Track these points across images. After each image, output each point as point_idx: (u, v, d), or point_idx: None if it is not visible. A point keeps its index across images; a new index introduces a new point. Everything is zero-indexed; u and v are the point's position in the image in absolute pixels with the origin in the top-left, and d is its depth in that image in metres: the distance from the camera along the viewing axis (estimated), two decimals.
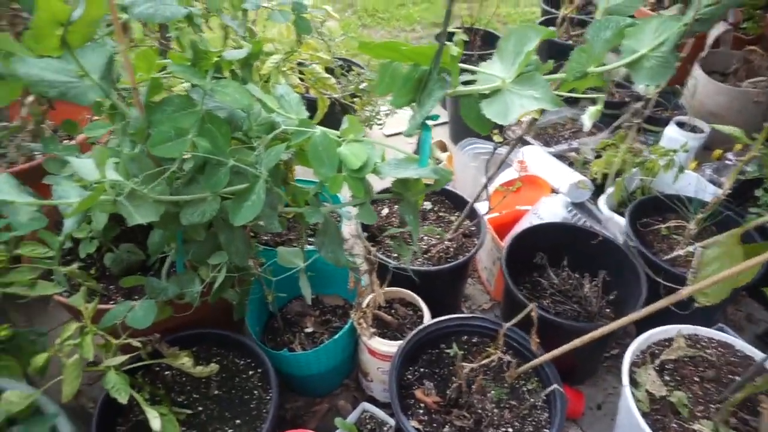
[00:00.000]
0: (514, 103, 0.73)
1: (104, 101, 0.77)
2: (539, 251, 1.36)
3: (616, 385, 1.36)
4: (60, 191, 0.78)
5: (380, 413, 1.12)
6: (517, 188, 1.55)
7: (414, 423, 1.02)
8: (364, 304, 1.12)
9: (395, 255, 1.30)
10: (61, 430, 0.82)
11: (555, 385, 1.02)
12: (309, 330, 1.29)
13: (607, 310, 1.34)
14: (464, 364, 1.04)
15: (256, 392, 1.07)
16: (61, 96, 0.73)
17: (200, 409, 1.03)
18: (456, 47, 0.72)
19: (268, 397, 1.05)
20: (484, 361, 1.03)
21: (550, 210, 1.44)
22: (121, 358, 0.85)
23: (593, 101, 0.84)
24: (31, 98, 1.30)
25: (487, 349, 1.09)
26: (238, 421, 1.02)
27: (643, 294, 1.20)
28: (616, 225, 1.56)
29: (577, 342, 0.97)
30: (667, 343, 1.12)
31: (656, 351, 1.10)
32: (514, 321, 1.00)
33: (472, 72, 0.78)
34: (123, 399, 0.82)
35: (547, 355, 1.04)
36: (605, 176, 1.76)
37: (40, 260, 1.01)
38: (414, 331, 1.12)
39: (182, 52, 0.92)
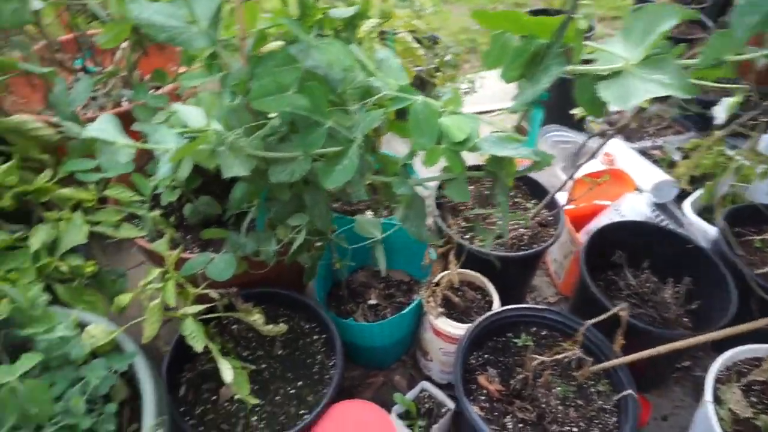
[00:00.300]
0: (638, 88, 0.67)
1: (203, 51, 0.76)
2: (619, 249, 1.30)
3: (683, 398, 1.29)
4: (157, 137, 0.78)
5: (439, 394, 1.10)
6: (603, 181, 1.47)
7: (475, 408, 1.00)
8: (436, 283, 1.09)
9: (467, 236, 1.26)
10: (138, 368, 0.84)
11: (630, 391, 0.97)
12: (372, 302, 1.27)
13: (685, 319, 1.26)
14: (535, 356, 1.00)
15: (318, 357, 1.07)
16: (169, 40, 0.72)
17: (263, 366, 1.04)
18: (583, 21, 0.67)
19: (331, 363, 1.05)
20: (557, 357, 0.99)
21: (634, 208, 1.36)
22: (199, 307, 0.86)
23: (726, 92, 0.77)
24: (125, 44, 1.32)
25: (561, 343, 1.05)
26: (300, 383, 1.02)
27: (732, 308, 1.12)
28: (699, 231, 1.47)
29: (661, 349, 0.92)
30: (756, 363, 1.04)
31: (743, 370, 1.03)
32: (596, 320, 0.95)
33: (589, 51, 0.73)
34: (199, 347, 0.83)
35: (625, 358, 0.99)
36: (692, 179, 1.65)
37: (127, 204, 1.03)
38: (484, 316, 1.09)
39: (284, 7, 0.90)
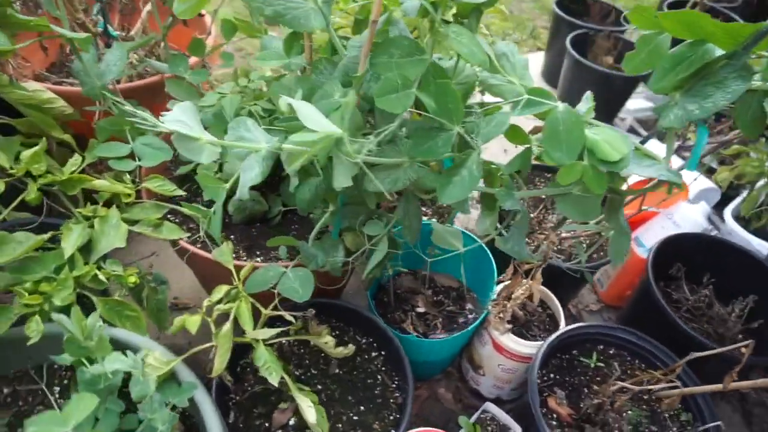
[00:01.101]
0: None
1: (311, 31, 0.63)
2: (678, 261, 1.24)
3: (732, 414, 1.27)
4: (242, 132, 0.65)
5: (503, 416, 1.03)
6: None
7: None
8: (509, 297, 1.00)
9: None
10: (199, 403, 0.71)
11: (719, 422, 0.92)
12: (420, 310, 1.17)
13: (740, 336, 1.23)
14: (619, 382, 0.93)
15: (379, 377, 0.97)
16: (276, 17, 0.59)
17: (319, 387, 0.93)
18: None
19: (394, 385, 0.95)
20: (651, 387, 0.92)
21: (690, 217, 1.31)
22: (271, 331, 0.74)
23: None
24: (149, 6, 1.15)
25: (650, 371, 0.97)
26: (362, 408, 0.92)
27: None
28: (740, 240, 1.43)
29: (764, 382, 0.86)
30: None
31: None
32: (699, 355, 0.88)
33: None
34: (275, 380, 0.72)
35: (712, 386, 0.93)
36: (730, 185, 1.61)
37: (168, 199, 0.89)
38: (556, 334, 1.01)
39: None
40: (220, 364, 0.69)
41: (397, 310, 1.17)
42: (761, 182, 1.55)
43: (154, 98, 1.18)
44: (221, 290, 0.73)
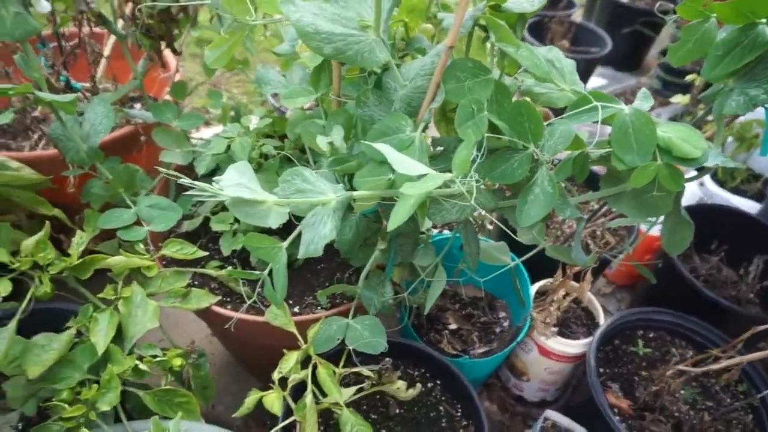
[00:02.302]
0: None
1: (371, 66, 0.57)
2: None
3: None
4: (299, 184, 0.58)
5: (565, 420, 1.00)
6: None
7: None
8: (555, 301, 0.98)
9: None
10: None
11: None
12: (453, 327, 1.14)
13: (751, 296, 1.27)
14: (681, 367, 0.93)
15: (441, 408, 0.92)
16: (337, 54, 0.52)
17: None
18: None
19: (458, 413, 0.91)
20: (713, 368, 0.92)
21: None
22: (351, 390, 0.68)
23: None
24: (107, 52, 1.03)
25: (707, 350, 0.98)
26: None
27: None
28: (722, 200, 1.50)
29: None
30: None
31: None
32: (761, 328, 0.89)
33: None
34: None
35: (760, 353, 0.95)
36: None
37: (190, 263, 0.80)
38: (604, 326, 1.00)
39: None
40: None
41: (430, 331, 1.12)
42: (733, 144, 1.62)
43: (130, 149, 1.07)
44: (291, 358, 0.65)
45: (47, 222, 0.71)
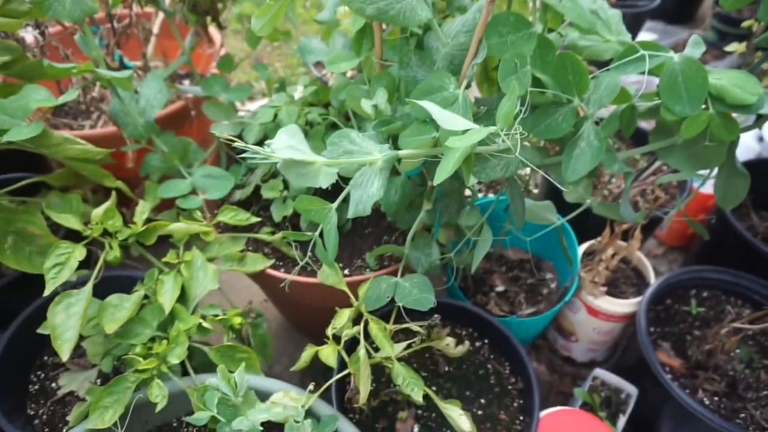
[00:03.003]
0: None
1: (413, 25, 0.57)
2: None
3: None
4: (346, 145, 0.60)
5: (614, 378, 1.01)
6: None
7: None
8: (604, 260, 0.97)
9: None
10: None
11: None
12: (500, 289, 1.15)
13: None
14: (736, 325, 0.92)
15: (489, 366, 0.94)
16: (379, 15, 0.53)
17: (434, 389, 0.90)
18: None
19: (507, 371, 0.93)
20: (762, 326, 0.90)
21: (742, 144, 1.29)
22: (402, 345, 0.70)
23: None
24: (156, 29, 1.07)
25: (724, 303, 0.96)
26: (482, 401, 0.89)
27: None
28: None
29: None
30: None
31: None
32: None
33: None
34: (418, 396, 0.68)
35: None
36: None
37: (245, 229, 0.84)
38: (655, 285, 0.99)
39: None
40: (365, 391, 0.65)
41: (477, 293, 1.14)
42: None
43: (182, 124, 1.11)
44: (344, 314, 0.68)
45: (114, 192, 0.76)
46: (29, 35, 1.05)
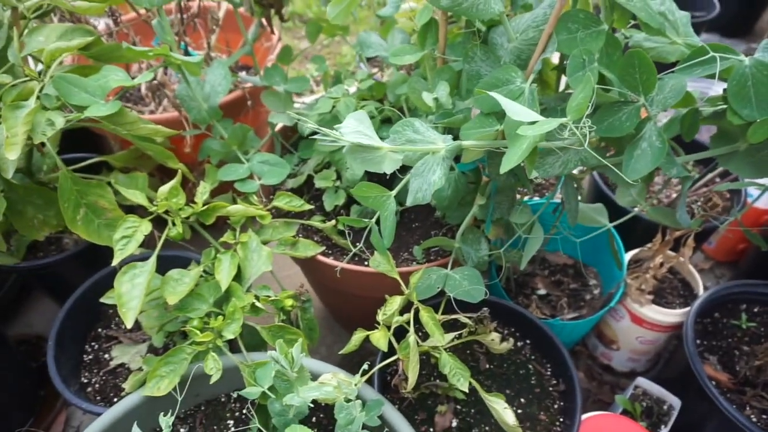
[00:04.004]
0: None
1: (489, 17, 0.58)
2: None
3: None
4: (410, 134, 0.61)
5: (656, 388, 0.99)
6: None
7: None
8: (652, 268, 0.96)
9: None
10: (390, 418, 0.69)
11: None
12: (542, 292, 1.14)
13: None
14: None
15: (530, 366, 0.93)
16: (453, 6, 0.55)
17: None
18: None
19: (548, 372, 0.92)
20: None
21: None
22: (450, 336, 0.71)
23: None
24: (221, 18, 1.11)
25: None
26: (522, 400, 0.89)
27: None
28: None
29: None
30: None
31: None
32: None
33: None
34: (463, 386, 0.69)
35: None
36: None
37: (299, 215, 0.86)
38: (703, 297, 0.97)
39: None
40: (413, 377, 0.66)
41: (519, 295, 1.14)
42: None
43: (239, 112, 1.15)
44: (395, 302, 0.70)
45: (179, 171, 0.79)
46: (101, 23, 1.11)
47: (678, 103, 0.68)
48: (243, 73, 1.31)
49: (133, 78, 0.74)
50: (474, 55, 0.65)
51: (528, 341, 0.97)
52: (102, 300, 0.77)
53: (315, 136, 0.96)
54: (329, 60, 2.10)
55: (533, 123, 0.50)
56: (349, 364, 1.16)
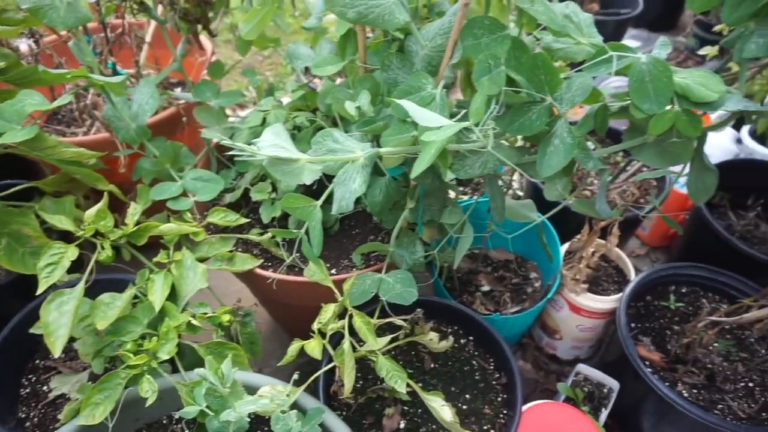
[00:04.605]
0: None
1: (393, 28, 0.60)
2: (718, 191, 1.26)
3: None
4: (330, 144, 0.62)
5: (596, 373, 1.03)
6: None
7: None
8: (584, 258, 1.00)
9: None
10: (331, 426, 0.70)
11: None
12: (485, 288, 1.17)
13: None
14: (712, 318, 0.95)
15: (474, 362, 0.96)
16: (360, 18, 0.56)
17: (420, 385, 0.92)
18: None
19: (491, 366, 0.95)
20: (735, 318, 0.93)
21: (721, 145, 1.33)
22: (385, 340, 0.73)
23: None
24: (149, 38, 1.10)
25: (739, 301, 0.98)
26: (467, 396, 0.91)
27: None
28: (764, 157, 1.47)
29: None
30: None
31: None
32: None
33: None
34: (401, 388, 0.70)
35: None
36: None
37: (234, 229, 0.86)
38: (634, 282, 1.02)
39: None
40: (349, 383, 0.67)
41: (464, 293, 1.16)
42: None
43: (174, 130, 1.14)
44: (329, 309, 0.71)
45: (106, 193, 0.78)
46: (23, 44, 1.08)
47: (587, 99, 0.72)
48: (178, 90, 1.30)
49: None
50: (390, 63, 0.67)
51: (471, 338, 0.99)
52: (31, 330, 0.75)
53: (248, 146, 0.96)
54: (271, 70, 2.09)
55: (440, 127, 0.52)
56: (304, 373, 1.16)
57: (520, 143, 0.81)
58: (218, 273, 0.85)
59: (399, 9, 0.56)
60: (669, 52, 0.68)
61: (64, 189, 1.01)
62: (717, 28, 1.10)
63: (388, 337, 0.74)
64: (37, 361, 0.96)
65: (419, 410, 0.87)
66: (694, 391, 0.97)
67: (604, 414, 0.98)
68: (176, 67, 0.97)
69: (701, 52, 1.07)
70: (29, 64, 0.98)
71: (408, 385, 0.73)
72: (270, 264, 0.93)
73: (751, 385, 0.97)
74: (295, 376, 0.62)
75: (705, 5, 0.69)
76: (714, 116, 1.50)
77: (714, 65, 1.81)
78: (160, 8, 0.95)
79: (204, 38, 1.30)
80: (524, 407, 0.90)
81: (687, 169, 0.81)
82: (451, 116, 0.70)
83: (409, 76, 0.64)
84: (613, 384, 1.01)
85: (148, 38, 1.12)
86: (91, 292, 0.76)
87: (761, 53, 0.64)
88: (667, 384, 0.93)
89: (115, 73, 1.04)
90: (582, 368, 1.04)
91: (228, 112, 1.13)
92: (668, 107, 0.64)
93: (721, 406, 0.94)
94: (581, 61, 0.71)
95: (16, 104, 0.71)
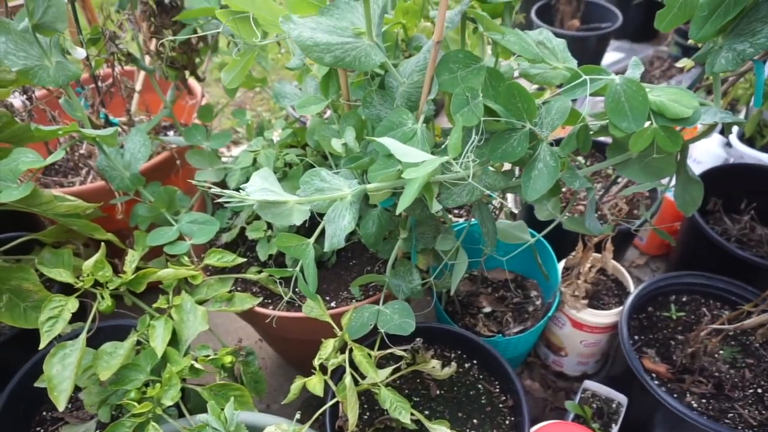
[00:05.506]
0: None
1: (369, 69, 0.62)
2: (711, 197, 1.27)
3: None
4: (317, 183, 0.64)
5: (603, 389, 1.03)
6: None
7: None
8: (581, 274, 1.00)
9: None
10: None
11: None
12: (487, 310, 1.17)
13: None
14: (714, 326, 0.95)
15: (480, 386, 0.96)
16: (337, 62, 0.58)
17: (427, 413, 0.92)
18: None
19: (497, 390, 0.95)
20: (737, 325, 0.93)
21: (709, 152, 1.34)
22: (387, 371, 0.73)
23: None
24: (140, 85, 1.12)
25: (739, 307, 0.99)
26: (474, 421, 0.91)
27: None
28: (754, 160, 1.48)
29: None
30: None
31: None
32: None
33: None
34: (405, 419, 0.70)
35: None
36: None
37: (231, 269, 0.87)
38: (634, 294, 1.02)
39: None
40: (353, 417, 0.67)
41: (465, 316, 1.16)
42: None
43: (168, 173, 1.16)
44: (329, 345, 0.71)
45: (103, 244, 0.79)
46: (17, 100, 1.10)
47: (567, 121, 0.74)
48: (171, 134, 1.32)
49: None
50: (372, 100, 0.69)
51: (474, 361, 0.99)
52: (36, 385, 0.76)
53: (237, 192, 0.98)
54: (263, 105, 2.13)
55: (422, 163, 0.54)
56: (312, 408, 1.15)
57: (507, 167, 0.83)
58: (220, 312, 0.86)
59: (375, 51, 0.58)
60: (642, 71, 0.70)
61: (63, 239, 1.02)
62: (691, 40, 1.12)
63: (389, 369, 0.74)
64: (44, 413, 0.96)
65: None
66: (703, 401, 0.96)
67: (615, 429, 0.98)
68: (167, 113, 0.99)
69: (678, 64, 1.09)
70: (23, 120, 1.01)
71: (413, 414, 0.73)
72: (270, 301, 0.94)
73: (759, 391, 0.96)
74: (298, 416, 0.63)
75: (671, 24, 0.71)
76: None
77: (698, 71, 1.84)
78: (147, 58, 0.97)
79: (193, 82, 1.33)
80: (533, 429, 0.89)
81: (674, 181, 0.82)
82: (436, 146, 0.72)
83: (391, 111, 0.66)
84: (621, 399, 1.01)
85: (138, 86, 1.14)
86: (95, 339, 0.77)
87: (731, 67, 0.66)
88: (675, 396, 0.93)
89: (108, 122, 1.06)
90: (589, 384, 1.03)
91: (222, 150, 1.15)
92: (646, 124, 0.65)
93: (731, 414, 0.93)
94: (560, 85, 0.73)
95: (11, 163, 0.73)
